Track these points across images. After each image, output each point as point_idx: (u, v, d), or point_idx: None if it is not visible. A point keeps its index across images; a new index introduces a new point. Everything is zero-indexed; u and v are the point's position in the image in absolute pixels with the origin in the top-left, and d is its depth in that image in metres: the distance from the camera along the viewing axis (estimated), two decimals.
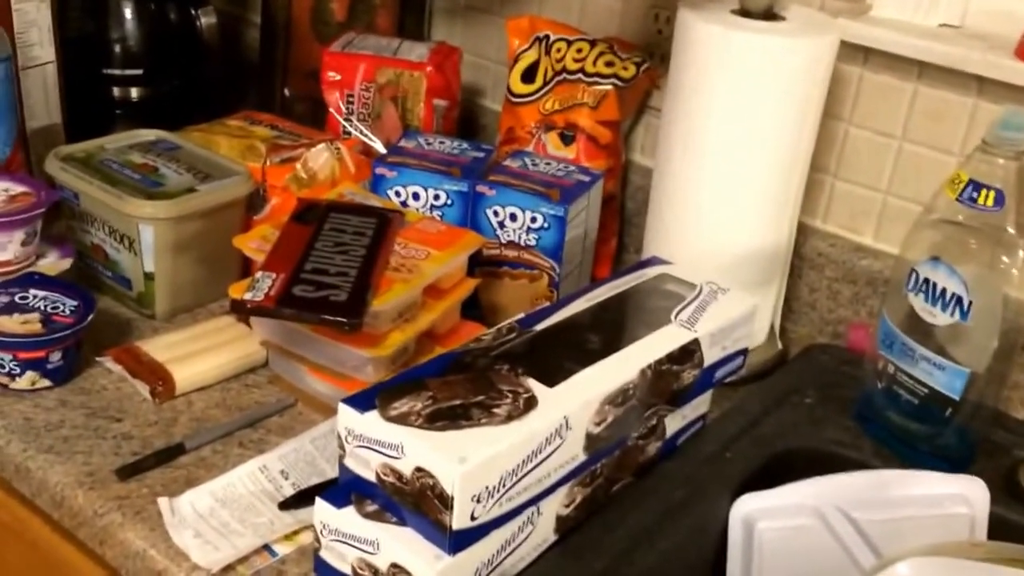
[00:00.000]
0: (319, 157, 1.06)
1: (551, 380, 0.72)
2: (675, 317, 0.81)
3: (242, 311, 0.82)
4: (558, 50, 1.14)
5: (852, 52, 1.02)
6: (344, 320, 0.81)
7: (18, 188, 0.97)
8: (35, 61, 1.12)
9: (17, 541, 0.90)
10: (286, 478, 0.82)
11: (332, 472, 0.83)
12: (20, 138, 1.09)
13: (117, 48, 1.27)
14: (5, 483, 0.87)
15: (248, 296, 0.82)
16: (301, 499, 0.80)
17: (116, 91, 1.27)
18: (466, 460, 0.64)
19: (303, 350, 0.90)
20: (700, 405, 0.88)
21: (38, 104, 1.14)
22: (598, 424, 0.74)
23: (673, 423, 0.85)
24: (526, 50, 1.15)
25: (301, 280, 0.85)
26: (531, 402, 0.70)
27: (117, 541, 0.78)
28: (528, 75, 1.15)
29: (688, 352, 0.80)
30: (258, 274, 0.85)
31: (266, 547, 0.77)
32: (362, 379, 0.88)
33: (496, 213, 1.00)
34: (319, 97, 1.20)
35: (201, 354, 0.93)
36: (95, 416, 0.88)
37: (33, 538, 0.88)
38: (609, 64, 1.12)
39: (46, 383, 0.89)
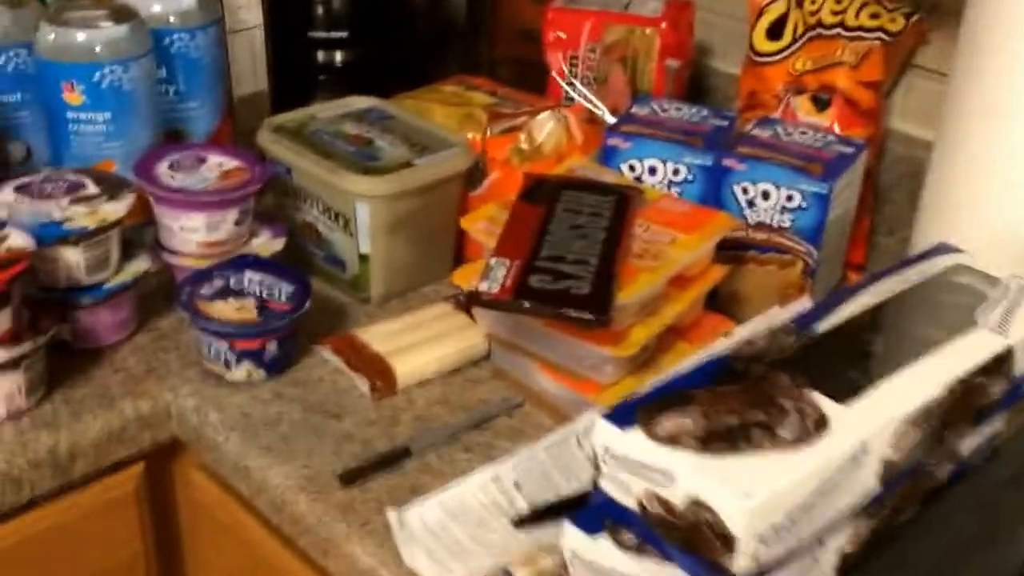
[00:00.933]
0: (544, 126, 0.96)
1: (839, 395, 0.61)
2: (982, 319, 0.69)
3: (478, 303, 0.74)
4: (812, 1, 1.01)
5: None
6: (592, 317, 0.72)
7: (232, 163, 0.90)
8: (242, 25, 1.07)
9: (233, 541, 0.85)
10: (519, 490, 0.74)
11: (567, 486, 0.74)
12: (228, 107, 1.04)
13: (321, 10, 1.21)
14: (222, 480, 0.82)
15: (484, 287, 0.73)
16: (538, 517, 0.71)
17: (320, 55, 1.21)
18: (752, 495, 0.54)
19: (533, 344, 0.82)
20: (995, 422, 0.75)
21: (244, 70, 1.09)
22: (896, 449, 0.62)
23: (968, 444, 0.72)
24: (772, 2, 1.02)
25: (537, 269, 0.76)
26: (821, 423, 0.59)
27: (343, 554, 0.71)
28: (775, 30, 1.02)
29: (999, 362, 0.67)
30: (491, 261, 0.76)
31: (505, 572, 0.68)
32: (599, 379, 0.79)
33: (745, 190, 0.88)
34: (527, 59, 1.10)
35: (421, 345, 0.86)
36: (313, 412, 0.81)
37: (249, 539, 0.83)
38: (874, 16, 0.98)
39: (261, 375, 0.83)
